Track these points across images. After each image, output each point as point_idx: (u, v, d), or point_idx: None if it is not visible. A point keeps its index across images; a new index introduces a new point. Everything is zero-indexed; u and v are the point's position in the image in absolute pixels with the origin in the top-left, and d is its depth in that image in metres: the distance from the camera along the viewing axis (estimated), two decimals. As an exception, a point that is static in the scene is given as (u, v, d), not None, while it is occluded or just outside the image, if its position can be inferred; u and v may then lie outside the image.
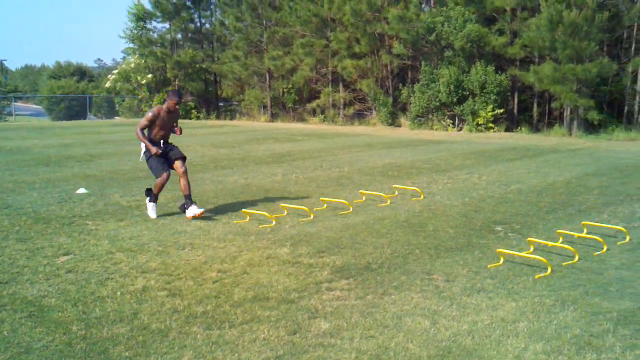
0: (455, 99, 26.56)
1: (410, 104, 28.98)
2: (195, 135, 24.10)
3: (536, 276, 5.74)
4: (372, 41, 31.07)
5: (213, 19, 45.25)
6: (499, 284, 5.51)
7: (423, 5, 31.15)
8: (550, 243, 6.66)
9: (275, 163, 14.53)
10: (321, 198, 9.47)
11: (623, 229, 7.35)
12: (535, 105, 27.78)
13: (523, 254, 6.28)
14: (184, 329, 4.49)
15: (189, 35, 46.01)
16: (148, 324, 4.58)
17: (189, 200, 8.32)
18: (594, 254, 6.53)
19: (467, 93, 26.44)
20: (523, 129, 25.99)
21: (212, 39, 45.56)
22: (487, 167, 13.63)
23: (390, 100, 30.99)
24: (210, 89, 45.19)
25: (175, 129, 8.66)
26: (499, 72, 26.49)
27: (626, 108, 25.27)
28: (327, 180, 11.72)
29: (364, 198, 9.74)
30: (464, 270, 5.95)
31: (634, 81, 24.67)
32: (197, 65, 42.59)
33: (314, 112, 36.01)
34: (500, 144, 19.81)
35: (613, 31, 25.29)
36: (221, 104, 45.23)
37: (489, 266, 6.06)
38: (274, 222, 7.96)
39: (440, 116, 27.87)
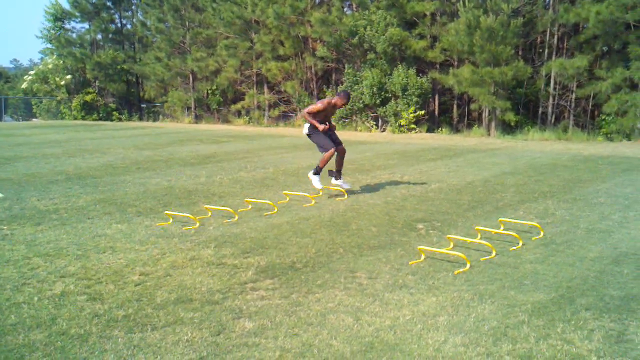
0: (378, 101, 26.99)
1: (335, 105, 29.18)
2: (117, 137, 23.56)
3: (455, 272, 5.91)
4: (296, 44, 31.20)
5: (134, 19, 44.40)
6: (420, 280, 5.64)
7: (346, 9, 31.52)
8: (469, 239, 6.86)
9: (200, 165, 14.38)
10: (245, 199, 9.45)
11: (537, 225, 7.65)
12: (455, 107, 28.57)
13: (443, 250, 6.46)
14: (105, 333, 4.40)
15: (110, 35, 45.01)
16: (67, 329, 4.46)
17: (338, 173, 10.23)
18: (510, 249, 6.77)
19: (390, 95, 26.90)
20: (444, 129, 26.64)
21: (134, 39, 44.72)
22: (409, 167, 13.91)
23: (315, 102, 31.14)
24: (132, 90, 44.34)
25: (331, 126, 10.05)
26: (420, 75, 27.11)
27: (540, 109, 26.28)
28: (252, 182, 11.70)
29: (288, 199, 9.78)
30: (386, 267, 6.06)
31: (548, 84, 25.69)
32: (119, 66, 41.69)
33: (238, 114, 35.84)
34: (422, 145, 20.25)
35: (528, 36, 26.32)
36: (144, 105, 44.42)
37: (410, 263, 6.20)
38: (197, 224, 7.89)
39: (364, 117, 28.25)
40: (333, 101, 9.76)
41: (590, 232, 7.55)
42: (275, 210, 8.86)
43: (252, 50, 33.54)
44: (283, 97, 33.84)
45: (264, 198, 9.77)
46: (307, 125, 9.91)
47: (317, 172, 10.01)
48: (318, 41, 30.60)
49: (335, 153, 9.99)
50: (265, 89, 34.33)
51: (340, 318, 4.70)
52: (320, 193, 10.15)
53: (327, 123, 9.90)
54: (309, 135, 9.98)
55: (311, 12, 29.82)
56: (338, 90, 28.46)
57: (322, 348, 4.17)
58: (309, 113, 9.76)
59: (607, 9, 21.16)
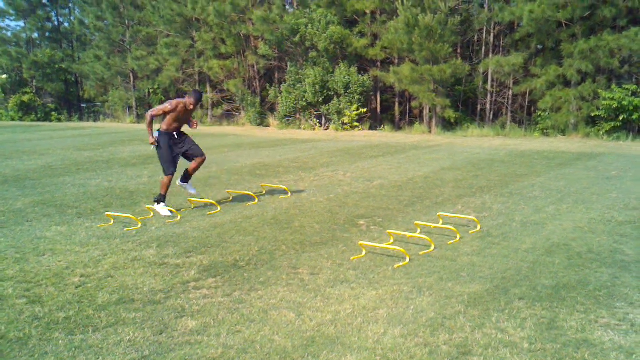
0: (321, 99, 27.15)
1: (278, 104, 29.29)
2: (56, 138, 23.05)
3: (395, 266, 6.04)
4: (237, 42, 31.10)
5: (72, 17, 43.47)
6: (361, 275, 5.76)
7: (287, 7, 31.57)
8: (408, 234, 7.02)
9: (142, 165, 14.22)
10: (188, 199, 9.41)
11: (475, 218, 7.87)
12: (396, 104, 28.96)
13: (383, 245, 6.58)
14: (45, 335, 4.36)
15: (47, 34, 44.01)
16: (5, 333, 4.40)
17: (186, 177, 9.19)
18: (448, 242, 6.95)
19: (332, 93, 27.09)
20: (386, 127, 27.00)
21: (72, 38, 43.81)
22: (352, 165, 14.07)
23: (258, 100, 31.18)
24: (71, 89, 43.43)
25: (192, 121, 9.10)
26: (362, 72, 27.42)
27: (479, 106, 26.92)
28: (195, 181, 11.61)
29: (231, 197, 9.78)
30: (328, 263, 6.16)
31: (485, 81, 26.32)
32: (57, 66, 40.79)
33: (181, 113, 35.40)
34: (365, 142, 20.47)
35: (465, 34, 26.88)
36: (84, 105, 43.58)
37: (352, 258, 6.30)
38: (139, 225, 7.83)
39: (307, 116, 28.37)
40: (183, 102, 8.59)
41: (524, 224, 7.81)
42: (219, 209, 8.86)
43: (194, 49, 33.28)
44: (226, 96, 33.69)
45: (207, 197, 9.75)
46: (157, 132, 8.68)
47: (161, 199, 8.73)
48: (260, 39, 30.58)
49: (193, 161, 9.09)
50: (208, 88, 34.10)
51: (282, 314, 4.76)
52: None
53: (177, 134, 8.81)
54: (157, 146, 8.75)
55: (252, 10, 29.77)
56: (281, 89, 28.51)
57: (265, 344, 4.22)
58: (152, 116, 8.48)
59: (540, 7, 21.82)
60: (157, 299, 5.12)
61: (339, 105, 26.69)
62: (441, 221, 7.88)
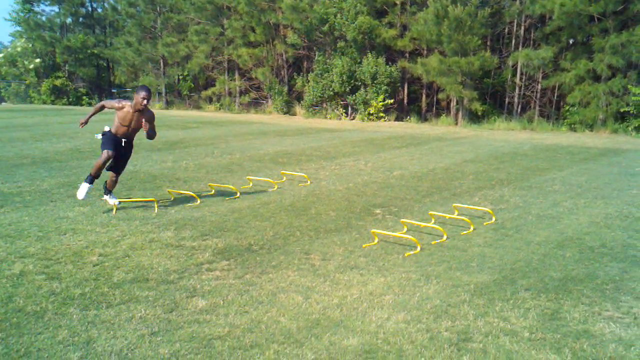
0: (348, 89, 27.19)
1: (305, 93, 29.39)
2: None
3: (406, 254, 6.13)
4: (267, 30, 31.22)
5: (105, 3, 43.99)
6: (371, 262, 5.85)
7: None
8: (422, 224, 7.09)
9: (167, 150, 14.44)
10: (209, 184, 9.58)
11: (490, 210, 7.92)
12: (423, 95, 28.85)
13: (396, 234, 6.67)
14: (60, 310, 4.53)
15: (80, 19, 44.57)
16: (23, 306, 4.58)
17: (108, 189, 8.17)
18: (462, 233, 7.01)
19: (360, 83, 27.11)
20: (412, 118, 26.96)
21: (105, 23, 44.33)
22: (374, 155, 14.13)
23: (286, 89, 31.31)
24: (103, 75, 44.02)
25: (143, 124, 7.78)
26: (390, 63, 27.36)
27: (507, 100, 26.71)
28: (217, 167, 11.82)
29: (251, 184, 9.93)
30: (340, 249, 6.26)
31: (514, 74, 26.10)
32: (89, 51, 41.35)
33: (210, 100, 35.80)
34: (389, 133, 20.49)
35: (495, 27, 26.65)
36: (114, 90, 44.12)
37: (363, 246, 6.40)
38: (156, 209, 8.00)
39: (333, 105, 28.43)
40: (130, 104, 7.67)
41: (540, 218, 7.83)
42: (238, 194, 9.01)
43: (223, 36, 33.49)
44: (254, 84, 33.88)
45: (228, 183, 9.90)
46: (107, 128, 7.98)
47: (88, 179, 7.84)
48: (289, 28, 30.67)
49: (111, 173, 8.12)
50: (237, 76, 34.31)
51: (290, 297, 4.89)
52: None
53: (124, 142, 7.92)
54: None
55: (282, -2, 29.88)
56: (309, 78, 28.55)
57: (270, 324, 4.35)
58: (103, 106, 8.00)
59: (571, 1, 21.55)
60: (170, 278, 5.27)
61: (366, 95, 26.71)
62: (456, 212, 7.93)
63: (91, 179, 7.82)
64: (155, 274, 5.37)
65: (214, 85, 35.34)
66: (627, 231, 7.15)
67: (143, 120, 7.75)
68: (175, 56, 35.82)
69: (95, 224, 7.15)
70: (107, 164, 7.89)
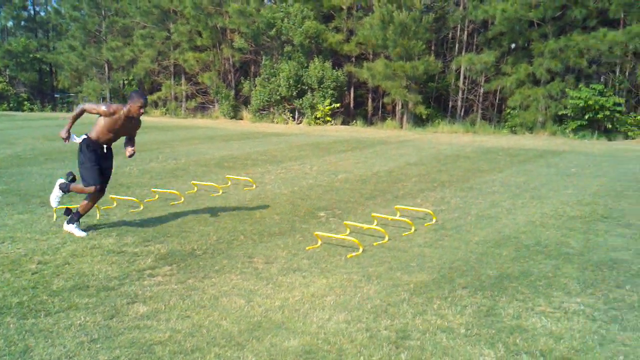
0: (294, 93, 27.30)
1: (252, 97, 29.37)
2: (27, 127, 22.92)
3: (348, 255, 6.22)
4: (213, 34, 31.09)
5: (48, 7, 43.09)
6: (313, 264, 5.92)
7: (264, 1, 31.61)
8: (365, 226, 7.20)
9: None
10: (152, 189, 9.51)
11: (431, 211, 8.08)
12: (369, 99, 29.17)
13: (339, 236, 6.76)
14: (-3, 319, 4.46)
15: (22, 23, 43.50)
16: (-43, 316, 4.50)
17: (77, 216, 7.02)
18: (403, 234, 7.15)
19: (306, 87, 27.25)
20: (358, 122, 27.22)
21: (47, 27, 43.39)
22: (320, 158, 14.24)
23: (233, 93, 31.23)
24: (45, 79, 43.06)
25: (128, 148, 7.07)
26: (336, 67, 27.59)
27: (450, 103, 27.24)
28: (162, 172, 11.73)
29: (195, 189, 9.89)
30: (283, 252, 6.31)
31: (457, 78, 26.64)
32: (31, 55, 40.42)
33: (155, 105, 35.40)
34: (335, 137, 20.65)
35: (439, 32, 27.17)
36: (57, 95, 43.17)
37: (307, 248, 6.47)
38: (97, 216, 7.91)
39: (280, 109, 28.49)
40: (125, 110, 6.76)
41: (479, 218, 8.04)
42: (182, 199, 8.97)
43: (169, 41, 33.20)
44: (200, 89, 33.68)
45: (173, 188, 9.85)
46: (84, 136, 6.96)
47: (73, 220, 6.96)
48: (236, 32, 30.60)
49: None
50: (183, 80, 34.07)
51: (232, 300, 4.91)
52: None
53: (107, 149, 7.05)
54: (79, 151, 7.01)
55: (229, 2, 29.78)
56: (256, 82, 28.51)
57: (212, 328, 4.37)
58: (83, 110, 6.73)
59: (512, 7, 22.17)
60: (111, 285, 5.23)
61: (313, 99, 26.86)
62: (398, 214, 8.08)
63: (78, 218, 6.95)
64: (96, 281, 5.32)
65: (159, 90, 35.00)
66: (561, 229, 7.41)
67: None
68: (120, 60, 35.33)
69: (35, 232, 7.02)
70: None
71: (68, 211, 7.07)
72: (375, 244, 6.70)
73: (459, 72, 26.49)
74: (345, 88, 28.25)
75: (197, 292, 5.10)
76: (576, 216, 8.16)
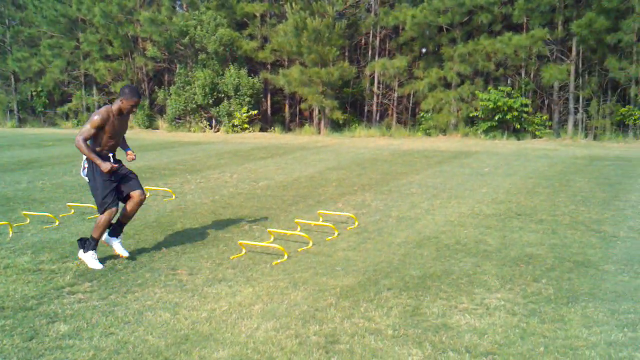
0: (211, 101, 27.06)
1: (167, 106, 28.91)
2: None
3: (274, 263, 6.21)
4: (125, 43, 30.41)
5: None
6: (239, 273, 5.88)
7: (176, 9, 31.20)
8: (288, 232, 7.22)
9: (21, 170, 13.70)
10: (68, 204, 9.21)
11: (353, 215, 8.18)
12: (286, 106, 29.24)
13: (263, 243, 6.75)
14: None
15: None
16: None
17: (119, 227, 6.57)
18: (327, 239, 7.20)
19: (223, 95, 27.06)
20: (276, 128, 27.24)
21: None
22: (239, 166, 14.17)
23: (147, 102, 30.63)
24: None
25: (129, 152, 6.79)
26: (252, 75, 27.53)
27: (366, 108, 27.66)
28: (76, 186, 11.37)
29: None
30: (207, 263, 6.24)
31: (372, 83, 27.09)
32: None
33: (66, 117, 34.31)
34: (254, 144, 20.60)
35: (352, 38, 27.56)
36: (-43, 109, 41.02)
37: (231, 257, 6.42)
38: (10, 234, 7.59)
39: (197, 118, 28.17)
40: (115, 108, 6.22)
41: (400, 220, 8.20)
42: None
43: (79, 50, 32.23)
44: (113, 98, 32.77)
45: (89, 202, 9.55)
46: (84, 166, 6.36)
47: (89, 247, 6.21)
48: (148, 41, 30.05)
49: (129, 200, 6.54)
50: (94, 90, 33.14)
51: (157, 314, 4.81)
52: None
53: (113, 157, 6.50)
54: (88, 175, 6.37)
55: (140, 11, 29.22)
56: (170, 91, 28.07)
57: (138, 344, 4.27)
58: (83, 139, 6.09)
59: (422, 13, 22.77)
60: (29, 305, 5.03)
61: (229, 107, 26.70)
62: (321, 219, 8.14)
63: (94, 243, 6.25)
64: (12, 302, 5.10)
65: (70, 101, 33.90)
66: (479, 228, 7.65)
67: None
68: (27, 71, 33.97)
69: (-58, 253, 6.67)
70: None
71: (82, 242, 6.30)
72: (299, 250, 6.73)
73: (373, 77, 26.94)
74: (262, 95, 28.22)
75: (120, 307, 4.97)
76: (492, 214, 8.45)
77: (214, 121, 27.85)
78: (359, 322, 4.63)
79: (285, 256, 6.39)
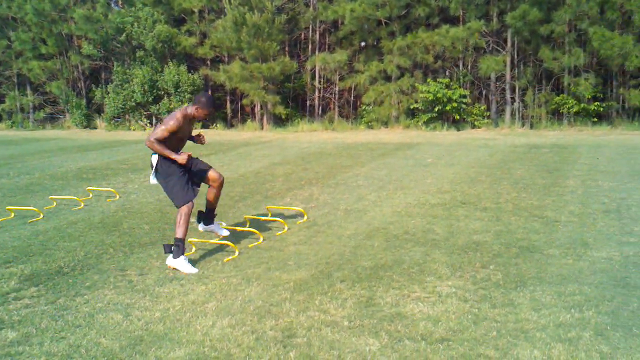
0: (150, 99, 26.66)
1: (105, 105, 28.31)
2: None
3: (225, 260, 6.17)
4: (59, 42, 29.60)
5: None
6: (190, 271, 5.83)
7: (112, 5, 30.55)
8: (238, 228, 7.19)
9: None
10: (7, 207, 8.92)
11: (302, 210, 8.20)
12: (228, 102, 28.99)
13: (213, 241, 6.70)
14: None
15: None
16: None
17: (209, 213, 6.86)
18: (277, 234, 7.20)
19: (163, 93, 26.69)
20: (219, 125, 27.00)
21: None
22: (184, 164, 13.98)
23: (84, 102, 29.93)
24: None
25: (200, 137, 6.89)
26: (192, 71, 27.19)
27: (308, 102, 27.69)
28: (15, 189, 11.03)
29: (55, 204, 9.39)
30: (157, 262, 6.16)
31: (313, 78, 27.13)
32: None
33: (0, 118, 33.18)
34: (197, 141, 20.35)
35: (292, 32, 27.53)
36: None
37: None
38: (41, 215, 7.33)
39: (137, 116, 27.68)
40: (189, 112, 6.28)
41: (348, 212, 8.25)
42: (41, 216, 8.49)
43: (11, 49, 31.16)
44: (49, 98, 31.95)
45: (29, 205, 9.29)
46: (155, 159, 6.41)
47: (179, 251, 5.97)
48: (83, 39, 29.31)
49: (208, 186, 6.91)
50: (29, 90, 32.14)
51: (109, 316, 4.73)
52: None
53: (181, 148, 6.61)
54: (158, 178, 6.48)
55: (74, 8, 28.47)
56: (108, 89, 27.48)
57: (90, 347, 4.18)
58: (158, 141, 6.18)
59: (360, 6, 22.91)
60: (-28, 313, 4.87)
61: (170, 104, 26.33)
62: (270, 214, 8.12)
63: (182, 245, 6.02)
64: (-46, 310, 4.93)
65: (3, 102, 32.80)
66: (426, 217, 7.77)
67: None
68: (-46, 72, 32.75)
69: None
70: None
71: (168, 247, 6.06)
72: (250, 245, 6.71)
73: (314, 72, 26.98)
74: (203, 91, 27.92)
75: (70, 311, 4.86)
76: (438, 204, 8.60)
77: (154, 119, 27.42)
78: (314, 315, 4.65)
79: (237, 252, 6.36)
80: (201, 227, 6.91)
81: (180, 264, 5.92)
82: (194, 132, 6.86)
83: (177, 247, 5.95)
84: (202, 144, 6.96)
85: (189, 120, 6.36)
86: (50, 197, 9.72)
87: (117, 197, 9.89)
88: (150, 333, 4.40)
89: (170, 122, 6.18)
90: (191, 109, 6.29)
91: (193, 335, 4.34)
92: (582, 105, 22.07)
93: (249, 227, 7.41)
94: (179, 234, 6.02)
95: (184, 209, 6.13)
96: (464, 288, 5.11)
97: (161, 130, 6.18)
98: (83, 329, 4.50)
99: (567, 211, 7.92)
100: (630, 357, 3.79)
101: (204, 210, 6.91)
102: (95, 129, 28.93)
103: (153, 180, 6.50)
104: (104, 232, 7.51)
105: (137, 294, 5.22)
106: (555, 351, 3.89)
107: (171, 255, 5.97)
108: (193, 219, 8.05)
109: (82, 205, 9.24)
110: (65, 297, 5.20)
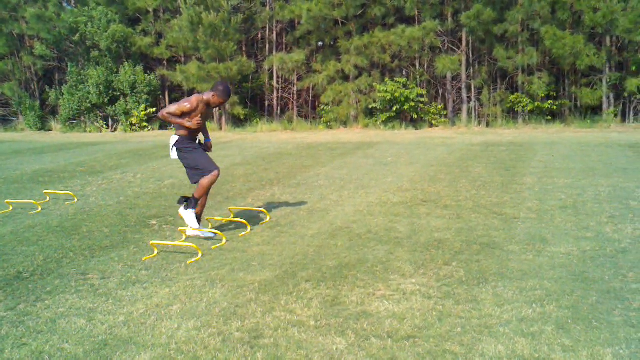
0: (106, 100, 26.26)
1: (60, 106, 27.78)
2: None
3: (188, 262, 6.13)
4: (10, 42, 28.93)
5: None
6: (153, 274, 5.77)
7: (64, 5, 29.99)
8: (200, 229, 7.13)
9: None
10: (-39, 212, 8.71)
11: (264, 210, 8.19)
12: (186, 103, 28.69)
13: (175, 243, 6.65)
14: None
15: None
16: None
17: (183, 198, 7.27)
18: (240, 235, 7.18)
19: (118, 93, 26.33)
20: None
21: None
22: (142, 165, 13.84)
23: (38, 103, 29.31)
24: None
25: (208, 143, 7.45)
26: (148, 72, 26.90)
27: (267, 102, 27.64)
28: (-32, 193, 10.76)
29: (10, 208, 9.19)
30: (119, 265, 6.08)
31: (271, 78, 27.09)
32: None
33: (-53, 122, 32.28)
34: (155, 142, 20.16)
35: (249, 32, 27.44)
36: None
37: (143, 259, 6.28)
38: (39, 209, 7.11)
39: (93, 118, 27.24)
40: (205, 98, 6.85)
41: (311, 212, 8.28)
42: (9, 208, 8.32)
43: (-41, 51, 30.36)
44: (1, 100, 31.21)
45: (-17, 209, 9.08)
46: (174, 139, 7.06)
47: (191, 205, 7.00)
48: (35, 39, 28.71)
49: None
50: (-22, 93, 31.36)
51: (72, 321, 4.65)
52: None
53: (196, 137, 7.25)
54: (179, 155, 7.11)
55: (25, 7, 27.85)
56: (62, 90, 26.98)
57: (54, 353, 4.11)
58: (170, 114, 6.84)
59: (317, 6, 22.98)
60: None
61: (126, 105, 25.99)
62: (232, 215, 8.10)
63: (196, 203, 7.08)
64: None
65: (-49, 105, 31.96)
66: (388, 216, 7.84)
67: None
68: None
69: None
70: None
71: (183, 199, 7.15)
72: (213, 247, 6.67)
73: (272, 72, 26.94)
74: (160, 92, 27.64)
75: (31, 317, 4.77)
76: (399, 202, 8.68)
77: (110, 120, 27.02)
78: (280, 315, 4.65)
79: (200, 254, 6.32)
80: (181, 210, 7.21)
81: (189, 216, 6.97)
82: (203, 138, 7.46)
83: (191, 202, 6.99)
84: (209, 151, 7.42)
85: (204, 105, 6.88)
86: (6, 200, 9.51)
87: (76, 200, 9.73)
88: (114, 337, 4.34)
89: (184, 104, 6.80)
90: (207, 95, 6.89)
91: (158, 338, 4.30)
92: (536, 103, 22.53)
93: (212, 228, 7.37)
94: (197, 194, 6.99)
95: (209, 177, 6.95)
96: (428, 285, 5.17)
97: (174, 109, 6.82)
98: (45, 335, 4.42)
99: (526, 208, 8.08)
100: (591, 349, 3.89)
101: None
102: (50, 131, 28.36)
103: (174, 155, 7.15)
104: (63, 236, 7.38)
105: (99, 298, 5.14)
106: (519, 346, 3.97)
107: (183, 206, 7.01)
108: (154, 221, 7.99)
109: (40, 209, 9.07)
110: (26, 302, 5.10)
